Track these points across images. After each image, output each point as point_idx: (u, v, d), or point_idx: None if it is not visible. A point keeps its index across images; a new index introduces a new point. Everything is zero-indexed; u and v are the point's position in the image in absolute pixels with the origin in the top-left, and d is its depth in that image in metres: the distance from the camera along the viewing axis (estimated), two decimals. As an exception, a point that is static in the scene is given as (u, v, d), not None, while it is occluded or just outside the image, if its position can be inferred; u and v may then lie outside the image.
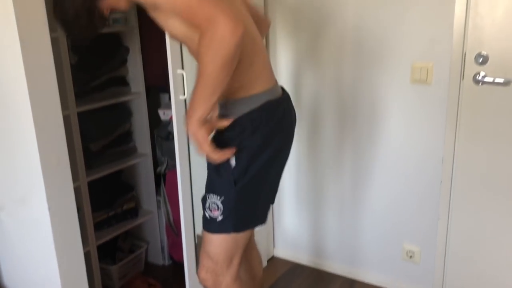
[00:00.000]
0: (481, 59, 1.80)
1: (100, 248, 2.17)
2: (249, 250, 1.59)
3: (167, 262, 2.53)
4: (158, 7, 1.19)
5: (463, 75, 1.85)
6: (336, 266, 2.40)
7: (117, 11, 1.36)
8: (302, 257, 2.50)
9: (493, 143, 1.86)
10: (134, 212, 2.40)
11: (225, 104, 1.33)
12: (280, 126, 1.37)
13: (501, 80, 1.79)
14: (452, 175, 1.97)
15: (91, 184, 2.08)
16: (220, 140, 1.31)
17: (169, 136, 2.40)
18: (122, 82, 2.30)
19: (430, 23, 1.87)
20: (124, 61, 2.28)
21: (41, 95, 1.30)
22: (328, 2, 2.07)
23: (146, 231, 2.52)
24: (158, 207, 2.46)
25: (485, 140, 1.87)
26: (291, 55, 2.26)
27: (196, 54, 1.21)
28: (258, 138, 1.31)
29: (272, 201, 1.52)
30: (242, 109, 1.30)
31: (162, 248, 2.52)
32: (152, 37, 2.27)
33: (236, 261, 1.42)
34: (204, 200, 1.38)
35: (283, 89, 1.45)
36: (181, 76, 1.77)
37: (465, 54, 1.83)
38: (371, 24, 1.99)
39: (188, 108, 1.24)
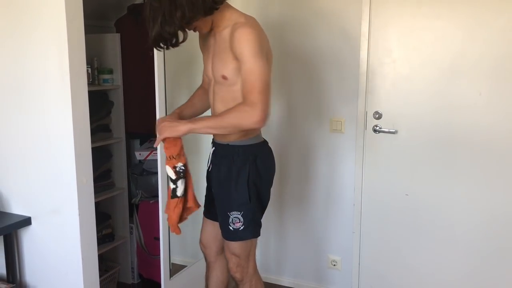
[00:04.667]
0: (377, 115, 2.58)
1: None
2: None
3: (136, 280, 2.99)
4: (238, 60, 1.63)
5: (366, 127, 2.62)
6: (278, 278, 2.99)
7: (199, 31, 1.78)
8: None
9: (387, 175, 2.61)
10: (111, 236, 2.87)
11: (234, 144, 1.82)
12: (272, 155, 1.97)
13: (392, 130, 2.57)
14: (361, 199, 2.69)
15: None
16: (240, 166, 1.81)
17: (143, 173, 2.95)
18: (107, 129, 2.84)
19: (342, 91, 2.64)
20: (109, 112, 2.83)
21: (80, 134, 1.86)
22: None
23: (119, 254, 2.98)
24: (131, 233, 2.95)
25: (383, 173, 2.62)
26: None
27: (226, 101, 1.72)
28: (265, 162, 1.87)
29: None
30: (249, 142, 1.84)
31: (132, 268, 2.98)
32: (133, 95, 2.86)
33: (252, 255, 1.95)
34: (226, 218, 1.83)
35: None
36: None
37: (366, 112, 2.61)
38: (305, 92, 2.74)
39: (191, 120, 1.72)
